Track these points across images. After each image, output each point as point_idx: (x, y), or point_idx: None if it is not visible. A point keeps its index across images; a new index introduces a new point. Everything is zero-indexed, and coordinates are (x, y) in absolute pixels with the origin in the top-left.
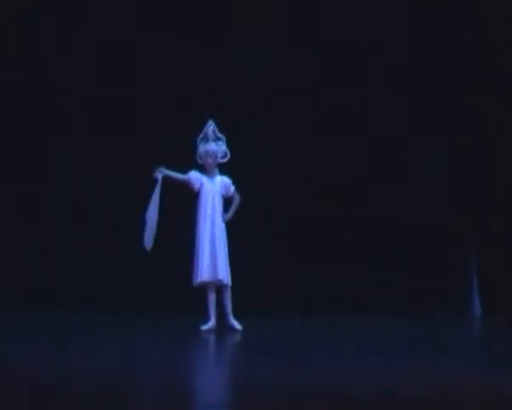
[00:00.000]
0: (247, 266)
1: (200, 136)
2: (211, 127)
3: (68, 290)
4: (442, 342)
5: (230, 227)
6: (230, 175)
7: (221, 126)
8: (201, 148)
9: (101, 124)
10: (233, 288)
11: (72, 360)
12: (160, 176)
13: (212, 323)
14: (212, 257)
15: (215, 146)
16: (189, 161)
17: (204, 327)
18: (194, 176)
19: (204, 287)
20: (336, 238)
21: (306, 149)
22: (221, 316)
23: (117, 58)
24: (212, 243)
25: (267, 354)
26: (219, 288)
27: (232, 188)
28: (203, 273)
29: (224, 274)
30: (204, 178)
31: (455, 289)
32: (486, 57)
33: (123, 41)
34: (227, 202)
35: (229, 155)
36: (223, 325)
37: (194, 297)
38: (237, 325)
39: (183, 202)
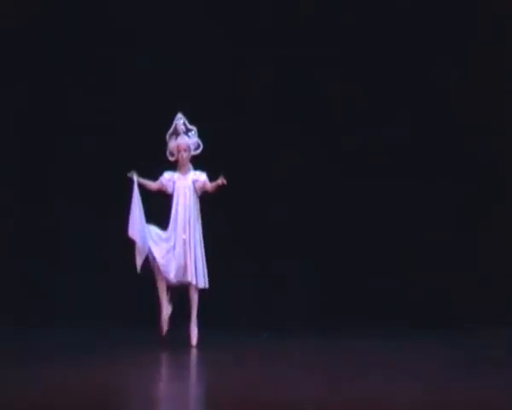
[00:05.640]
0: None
1: (170, 131)
2: (180, 120)
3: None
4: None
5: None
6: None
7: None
8: (172, 143)
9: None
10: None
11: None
12: (135, 177)
13: (165, 309)
14: (182, 258)
15: (187, 139)
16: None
17: (161, 321)
18: (165, 178)
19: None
20: (356, 251)
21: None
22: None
23: None
24: (184, 243)
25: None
26: (188, 288)
27: (204, 176)
28: (170, 275)
29: (194, 275)
30: (176, 176)
31: (492, 303)
32: None
33: None
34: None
35: (202, 146)
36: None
37: None
38: (194, 340)
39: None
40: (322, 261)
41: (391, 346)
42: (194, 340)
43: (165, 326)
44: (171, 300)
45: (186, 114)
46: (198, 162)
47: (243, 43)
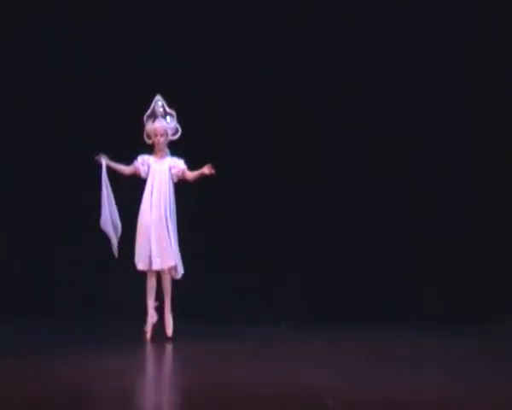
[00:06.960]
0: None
1: (147, 113)
2: (159, 103)
3: None
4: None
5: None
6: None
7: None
8: (149, 126)
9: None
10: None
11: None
12: (103, 161)
13: (150, 317)
14: (156, 243)
15: (164, 122)
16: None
17: (145, 327)
18: (139, 162)
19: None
20: (363, 252)
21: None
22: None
23: None
24: (156, 228)
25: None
26: (161, 275)
27: (182, 163)
28: (140, 260)
29: (169, 261)
30: (151, 159)
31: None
32: None
33: None
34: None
35: (180, 132)
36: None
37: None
38: (169, 330)
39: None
40: (322, 261)
41: (390, 345)
42: (169, 330)
43: (149, 333)
44: (158, 309)
45: (184, 112)
46: (195, 158)
47: (243, 43)
